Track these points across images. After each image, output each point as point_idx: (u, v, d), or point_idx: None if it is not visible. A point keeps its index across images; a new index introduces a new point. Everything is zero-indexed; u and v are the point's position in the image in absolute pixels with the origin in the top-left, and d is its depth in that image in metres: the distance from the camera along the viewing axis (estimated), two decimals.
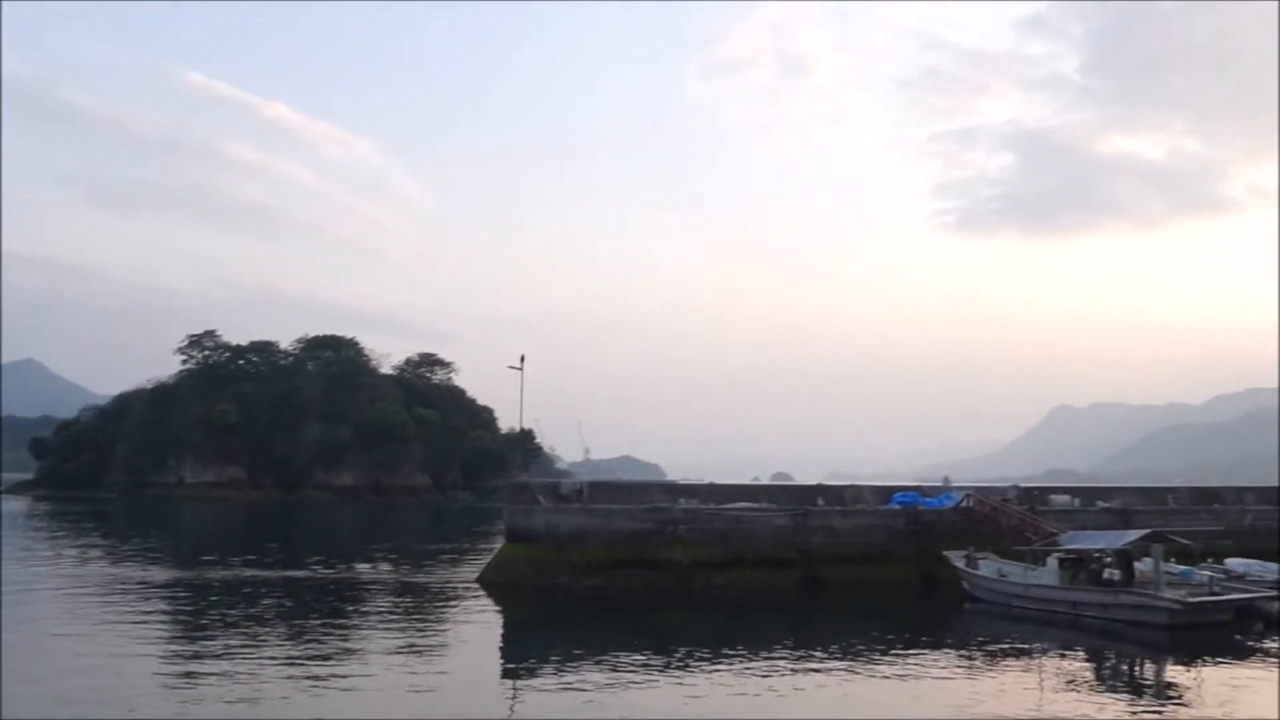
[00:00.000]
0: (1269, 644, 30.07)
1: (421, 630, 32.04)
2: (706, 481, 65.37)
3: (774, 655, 27.85)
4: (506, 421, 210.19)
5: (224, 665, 24.78)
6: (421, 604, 38.52)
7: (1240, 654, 29.10)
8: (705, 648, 28.50)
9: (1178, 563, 37.31)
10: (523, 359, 55.32)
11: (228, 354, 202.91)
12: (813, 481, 75.95)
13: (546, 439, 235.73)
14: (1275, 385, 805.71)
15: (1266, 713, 21.73)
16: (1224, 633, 31.82)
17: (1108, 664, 29.14)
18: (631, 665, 25.77)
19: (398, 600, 39.42)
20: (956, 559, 40.90)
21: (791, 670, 25.83)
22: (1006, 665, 27.73)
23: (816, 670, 25.79)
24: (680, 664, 26.18)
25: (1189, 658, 28.61)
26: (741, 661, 26.75)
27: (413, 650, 27.82)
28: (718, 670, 25.59)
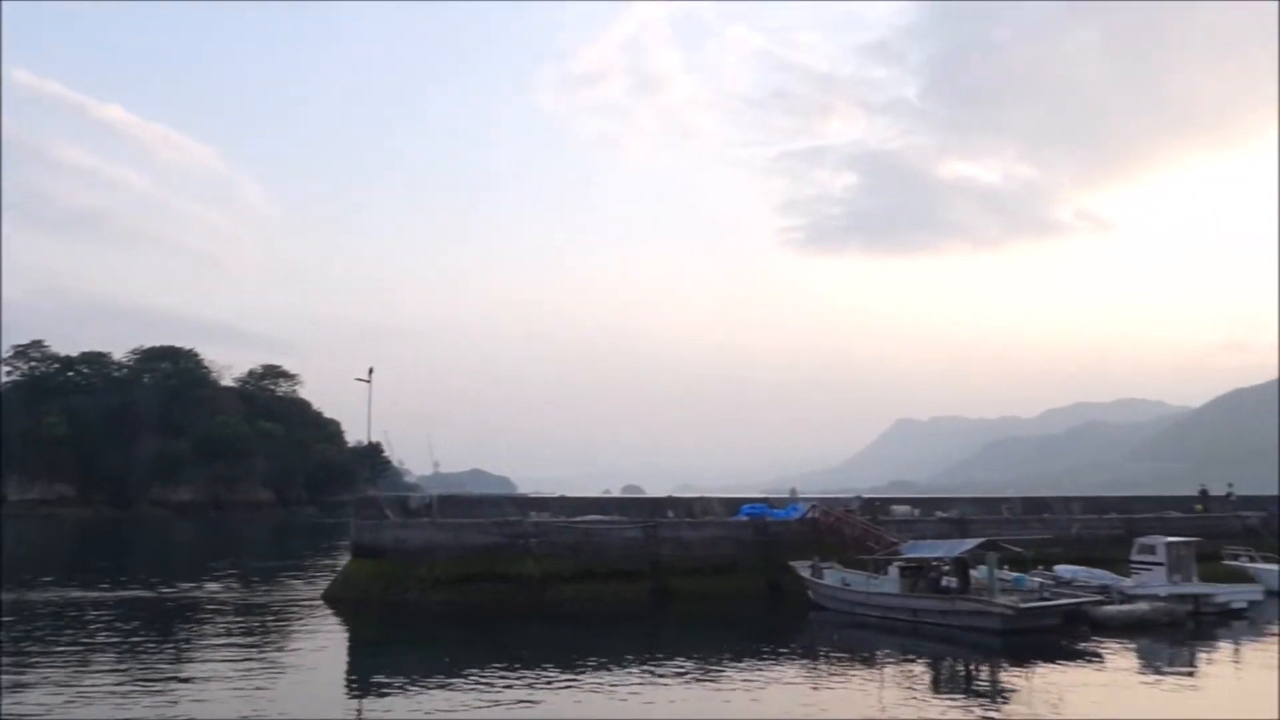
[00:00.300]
0: (1094, 646, 31.48)
1: (261, 651, 30.92)
2: (558, 494, 65.39)
3: (624, 666, 27.93)
4: (354, 434, 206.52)
5: (41, 696, 23.51)
6: (262, 624, 37.27)
7: (1068, 656, 30.36)
8: (556, 660, 28.38)
9: (1011, 570, 38.73)
10: (370, 371, 54.36)
11: (56, 365, 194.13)
12: (663, 494, 76.59)
13: (395, 452, 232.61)
14: (1102, 400, 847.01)
15: (1091, 712, 22.73)
16: (1053, 636, 33.16)
17: (945, 668, 30.05)
18: (481, 679, 25.52)
19: (236, 621, 38.05)
20: (802, 569, 41.72)
21: (641, 680, 25.92)
22: (849, 670, 28.39)
23: (666, 679, 25.95)
24: (531, 676, 26.01)
25: (1021, 660, 29.73)
26: (592, 672, 26.76)
27: (250, 672, 26.81)
28: (568, 682, 25.53)
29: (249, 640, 33.05)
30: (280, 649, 31.74)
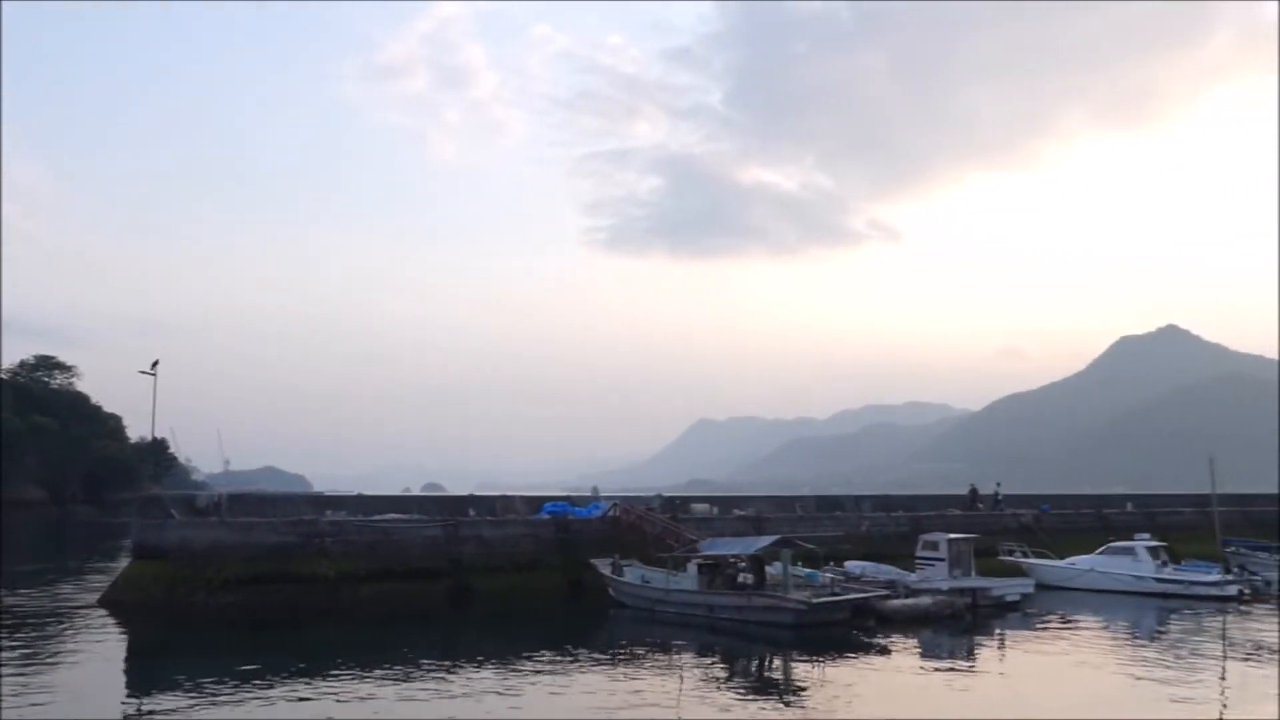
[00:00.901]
0: (880, 639, 32.71)
1: (28, 659, 28.79)
2: (355, 493, 63.80)
3: (422, 665, 27.43)
4: (137, 430, 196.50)
5: None
6: (29, 630, 34.69)
7: (856, 648, 31.47)
8: (352, 660, 27.64)
9: (804, 566, 39.89)
10: (155, 363, 51.97)
11: None
12: (465, 492, 75.69)
13: (182, 449, 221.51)
14: (892, 403, 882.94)
15: (878, 701, 23.56)
16: (843, 629, 34.35)
17: (740, 663, 30.65)
18: (271, 682, 24.61)
19: None
20: (603, 566, 41.91)
21: (439, 678, 25.51)
22: (647, 666, 28.62)
23: (465, 677, 25.63)
24: (325, 679, 25.22)
25: (812, 654, 30.65)
26: (389, 672, 26.14)
27: (14, 684, 25.03)
28: (363, 682, 24.87)
29: (13, 650, 30.64)
30: (46, 658, 29.63)
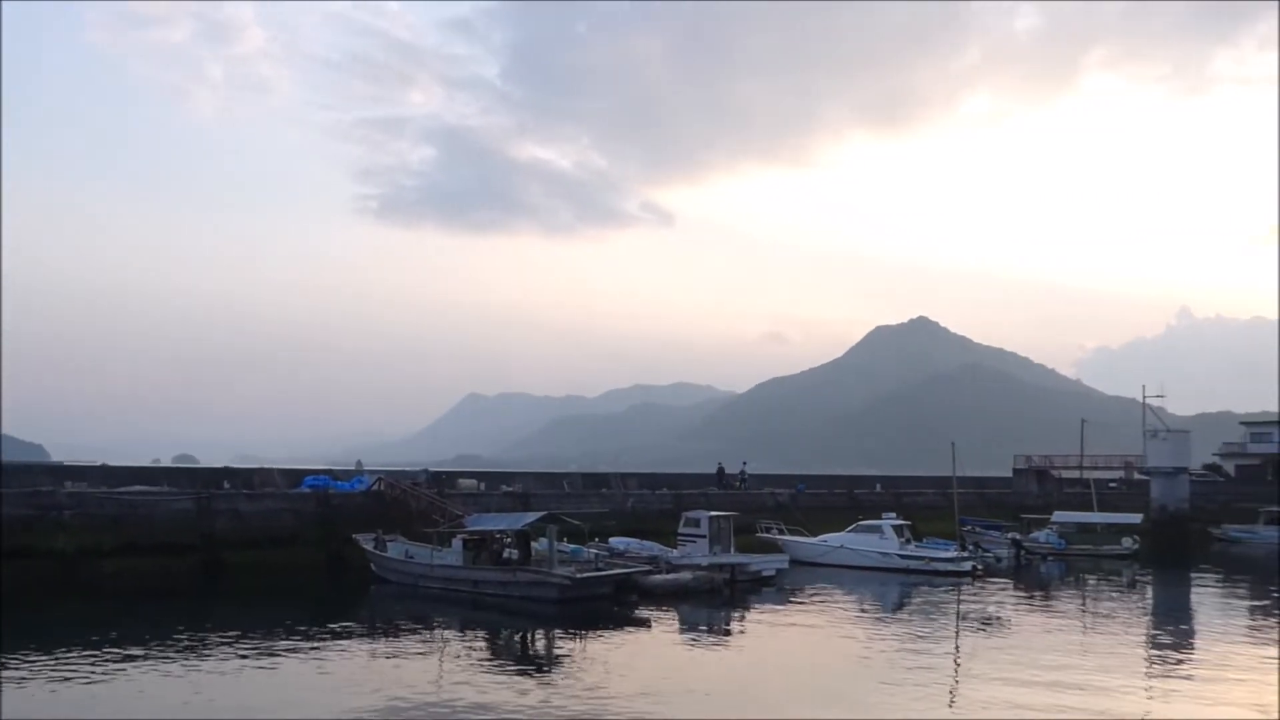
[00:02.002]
0: (641, 613, 33.33)
1: None
2: (99, 463, 60.20)
3: (170, 644, 26.17)
4: None
5: None
6: None
7: (617, 622, 31.99)
8: (89, 640, 26.10)
9: (569, 542, 40.21)
10: None
11: None
12: (220, 464, 72.68)
13: None
14: (660, 383, 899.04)
15: (636, 673, 23.95)
16: (606, 604, 34.85)
17: (503, 638, 30.66)
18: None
19: None
20: (366, 541, 41.08)
21: (188, 657, 24.39)
22: (409, 643, 28.24)
23: (217, 656, 24.60)
24: (55, 658, 23.71)
25: (575, 628, 30.93)
26: (131, 652, 24.82)
27: None
28: (100, 664, 23.51)
29: None
30: None
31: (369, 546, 40.83)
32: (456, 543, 38.96)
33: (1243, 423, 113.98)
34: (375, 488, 48.03)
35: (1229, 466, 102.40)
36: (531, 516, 39.23)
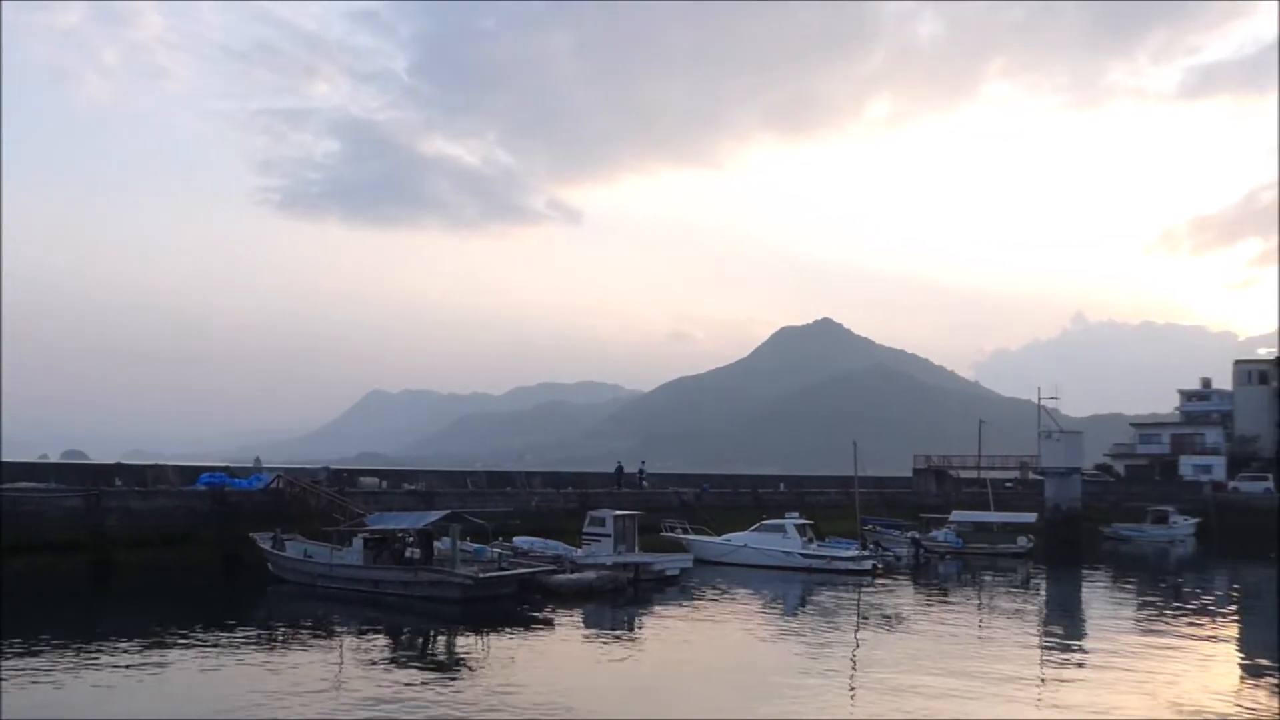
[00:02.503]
0: (545, 612, 33.16)
1: None
2: None
3: (56, 645, 25.28)
4: None
5: None
6: None
7: (520, 622, 31.77)
8: None
9: (473, 541, 39.87)
10: None
11: None
12: (111, 460, 70.65)
13: None
14: (567, 381, 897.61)
15: (537, 673, 23.79)
16: (509, 604, 34.61)
17: (404, 638, 30.20)
18: None
19: None
20: (263, 540, 40.21)
21: (76, 659, 23.58)
22: (307, 644, 27.71)
23: (108, 657, 23.82)
24: None
25: (477, 628, 30.64)
26: (13, 654, 23.92)
27: None
28: None
29: None
30: None
31: (266, 545, 39.97)
32: (357, 542, 38.37)
33: (1133, 424, 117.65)
34: (274, 485, 47.08)
35: (1119, 467, 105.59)
36: (434, 515, 38.81)
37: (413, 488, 54.13)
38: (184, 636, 27.27)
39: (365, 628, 30.95)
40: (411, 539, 37.94)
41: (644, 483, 66.61)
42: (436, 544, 37.88)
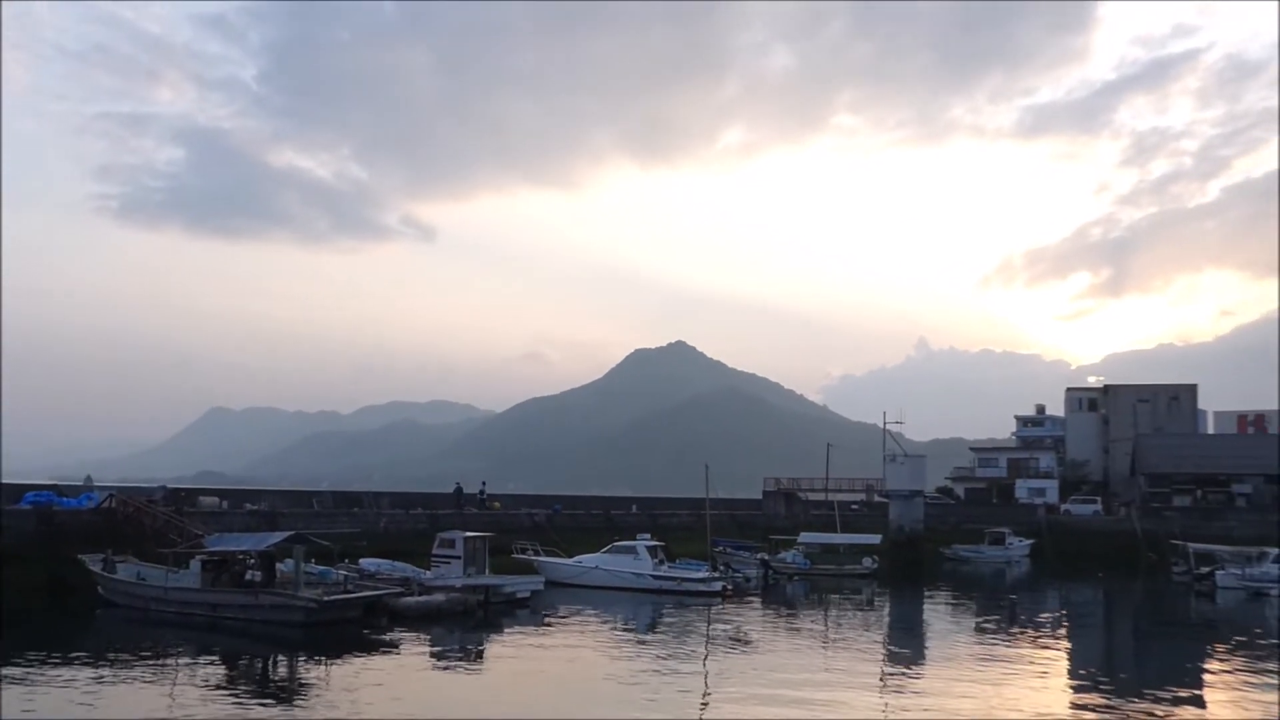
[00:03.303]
0: (391, 636, 32.44)
1: None
2: None
3: None
4: None
5: None
6: None
7: (366, 646, 30.98)
8: None
9: (318, 563, 38.82)
10: None
11: None
12: None
13: None
14: (418, 400, 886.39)
15: (379, 698, 23.20)
16: (355, 627, 33.73)
17: (243, 664, 29.16)
18: None
19: None
20: (93, 562, 38.33)
21: None
22: (137, 670, 26.49)
23: None
24: None
25: (320, 652, 29.82)
26: None
27: None
28: None
29: None
30: None
31: (96, 568, 38.12)
32: (195, 564, 36.95)
33: (972, 449, 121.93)
34: (106, 505, 45.00)
35: (959, 490, 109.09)
36: (277, 536, 37.68)
37: (255, 508, 52.60)
38: (5, 666, 25.75)
39: (202, 654, 29.76)
40: (253, 561, 36.78)
41: (484, 503, 65.98)
42: (279, 566, 36.83)
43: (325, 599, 34.30)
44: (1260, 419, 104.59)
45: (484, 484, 71.17)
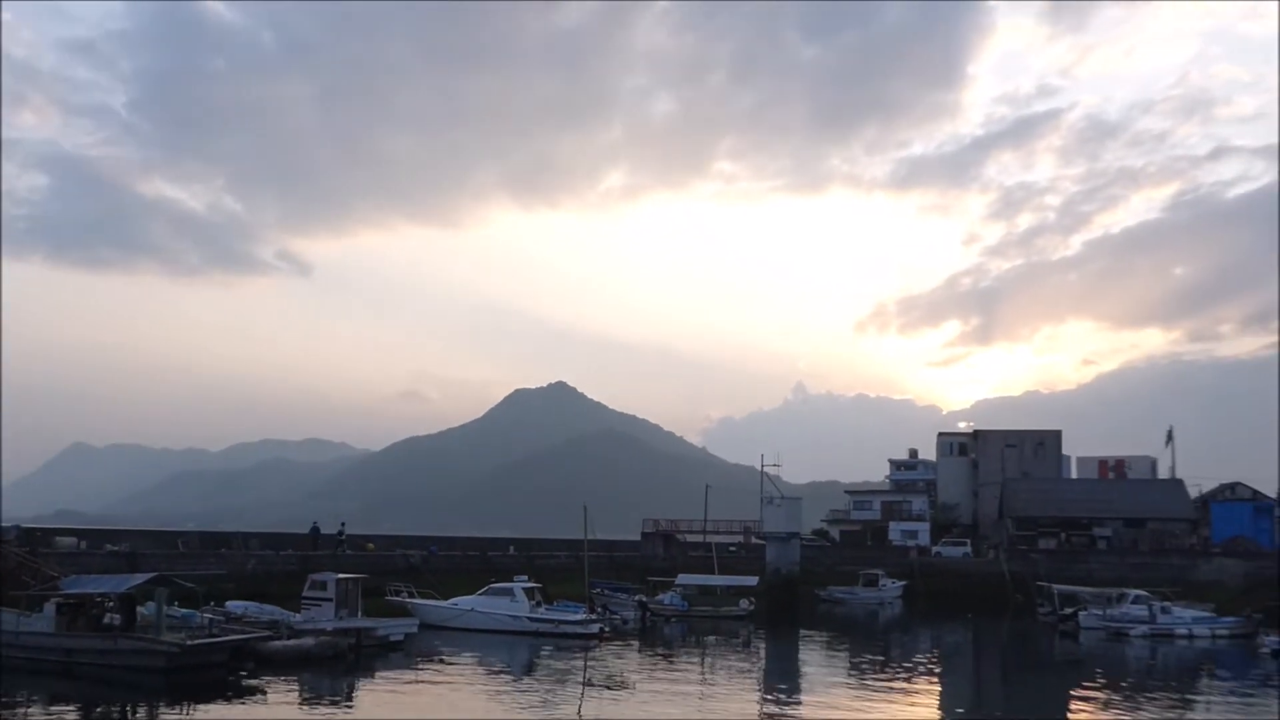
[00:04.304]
0: (258, 681, 31.43)
1: None
2: None
3: None
4: None
5: None
6: None
7: (233, 693, 30.02)
8: None
9: (181, 606, 37.53)
10: None
11: None
12: None
13: None
14: (292, 439, 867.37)
15: None
16: (220, 672, 32.60)
17: (99, 713, 27.97)
18: None
19: None
20: None
21: None
22: None
23: None
24: None
25: (184, 700, 28.79)
26: None
27: None
28: None
29: None
30: None
31: None
32: (49, 607, 35.29)
33: (847, 491, 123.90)
34: None
35: (835, 532, 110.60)
36: (138, 578, 36.39)
37: (116, 549, 50.83)
38: None
39: (56, 702, 28.48)
40: (112, 604, 35.29)
41: (342, 544, 64.61)
42: (140, 609, 35.42)
43: (188, 643, 33.11)
44: (1120, 464, 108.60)
45: (343, 524, 69.79)
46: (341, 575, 43.69)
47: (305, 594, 42.95)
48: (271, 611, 41.45)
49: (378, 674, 35.16)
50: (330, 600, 41.84)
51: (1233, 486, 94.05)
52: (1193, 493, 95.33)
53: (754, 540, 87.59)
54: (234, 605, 41.74)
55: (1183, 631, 52.09)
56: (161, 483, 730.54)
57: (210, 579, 42.02)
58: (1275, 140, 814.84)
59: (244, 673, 32.85)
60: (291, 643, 36.37)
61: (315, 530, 65.59)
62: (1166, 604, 54.83)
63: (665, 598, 61.30)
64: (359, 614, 42.61)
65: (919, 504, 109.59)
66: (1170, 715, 30.57)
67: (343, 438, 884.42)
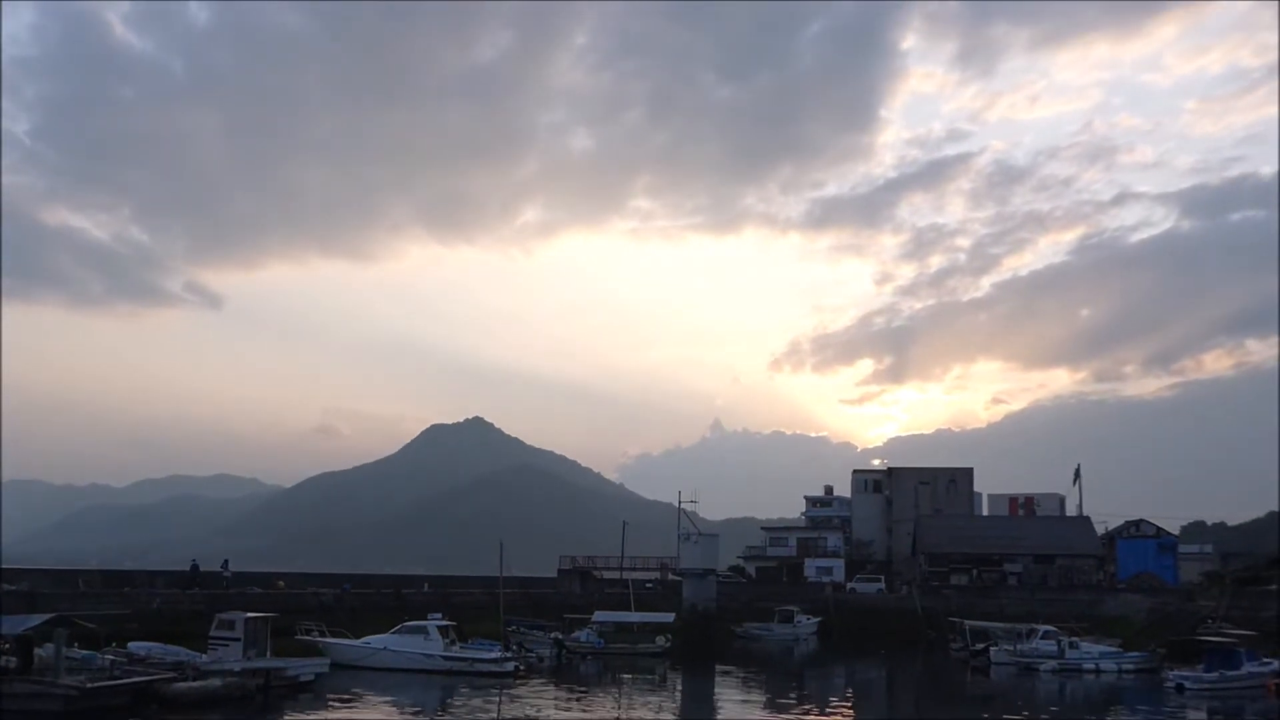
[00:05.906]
0: None
1: None
2: None
3: None
4: None
5: None
6: None
7: None
8: None
9: (81, 647, 36.38)
10: None
11: None
12: None
13: None
14: (200, 474, 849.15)
15: None
16: (122, 716, 31.68)
17: None
18: None
19: None
20: None
21: None
22: None
23: None
24: None
25: None
26: None
27: None
28: None
29: None
30: None
31: None
32: None
33: (764, 528, 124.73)
34: None
35: (751, 568, 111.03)
36: (35, 619, 35.19)
37: (12, 588, 49.12)
38: None
39: None
40: (7, 646, 34.16)
41: (227, 582, 63.08)
42: (37, 651, 34.29)
43: (88, 686, 32.04)
44: (1030, 501, 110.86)
45: (226, 561, 68.41)
46: (250, 614, 42.70)
47: (212, 634, 41.85)
48: (176, 652, 40.33)
49: (286, 715, 34.46)
50: (238, 640, 40.82)
51: (1138, 523, 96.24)
52: (1099, 529, 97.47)
53: (671, 577, 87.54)
54: (137, 646, 40.52)
55: (1090, 666, 53.07)
56: (64, 520, 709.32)
57: (113, 619, 40.76)
58: (1175, 187, 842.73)
59: (147, 716, 32.00)
60: (197, 684, 35.39)
61: (194, 568, 63.83)
62: (1075, 639, 55.86)
63: (581, 635, 60.89)
64: (268, 654, 41.63)
65: (834, 540, 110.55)
66: None
67: (253, 473, 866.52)
